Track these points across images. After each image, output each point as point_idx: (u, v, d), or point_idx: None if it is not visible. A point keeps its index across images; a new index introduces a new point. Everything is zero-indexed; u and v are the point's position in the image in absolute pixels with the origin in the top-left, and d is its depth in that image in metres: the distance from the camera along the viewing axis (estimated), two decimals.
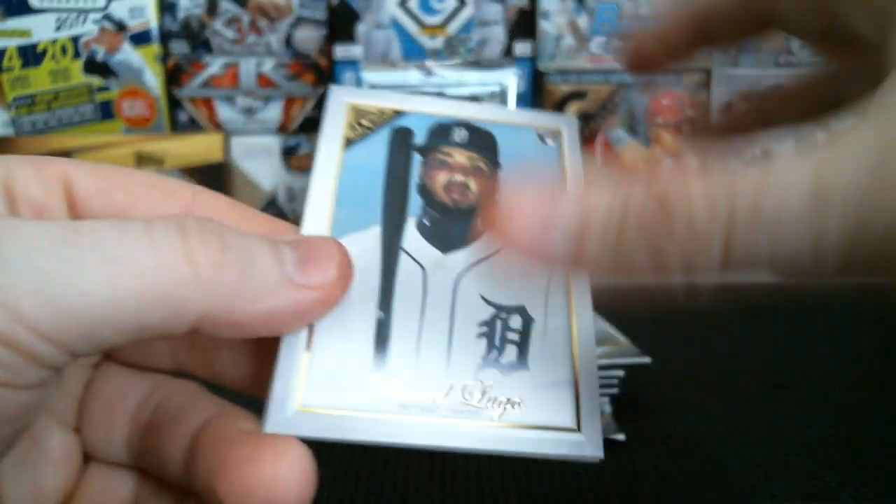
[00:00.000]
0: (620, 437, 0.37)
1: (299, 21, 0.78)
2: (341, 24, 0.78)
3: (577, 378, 0.18)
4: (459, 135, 0.22)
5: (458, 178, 0.21)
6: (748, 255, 0.14)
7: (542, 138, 0.23)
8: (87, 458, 0.19)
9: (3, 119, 0.77)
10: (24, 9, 0.75)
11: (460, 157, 0.21)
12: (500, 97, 0.60)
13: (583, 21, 0.78)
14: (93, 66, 0.77)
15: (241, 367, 0.19)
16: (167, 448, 0.17)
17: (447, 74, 0.61)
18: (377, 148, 0.21)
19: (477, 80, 0.61)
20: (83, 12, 0.76)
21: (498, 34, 0.79)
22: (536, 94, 0.79)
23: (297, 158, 0.76)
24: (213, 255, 0.15)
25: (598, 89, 0.77)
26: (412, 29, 0.78)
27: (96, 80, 0.77)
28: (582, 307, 0.19)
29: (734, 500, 0.32)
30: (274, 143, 0.76)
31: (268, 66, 0.78)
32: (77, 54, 0.76)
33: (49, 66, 0.76)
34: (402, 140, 0.22)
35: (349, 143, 0.22)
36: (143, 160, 0.74)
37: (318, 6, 0.78)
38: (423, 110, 0.23)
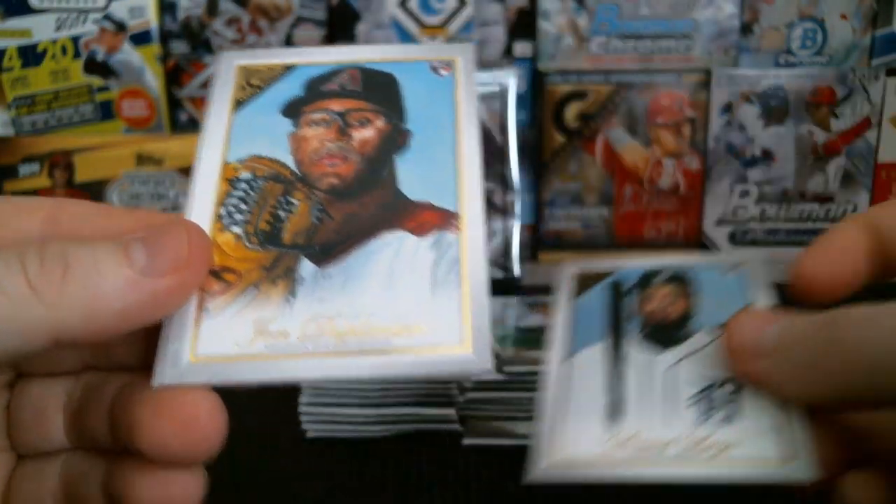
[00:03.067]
0: None
1: (299, 21, 0.78)
2: (341, 24, 0.78)
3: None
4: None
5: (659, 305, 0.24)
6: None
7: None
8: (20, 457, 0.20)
9: (3, 119, 0.77)
10: (24, 9, 0.75)
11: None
12: (501, 97, 0.60)
13: (583, 21, 0.78)
14: (93, 66, 0.77)
15: (138, 353, 0.20)
16: (94, 420, 0.19)
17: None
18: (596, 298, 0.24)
19: (477, 80, 0.61)
20: (83, 12, 0.76)
21: (498, 34, 0.79)
22: (536, 93, 0.79)
23: None
24: (54, 276, 0.16)
25: (598, 89, 0.77)
26: (412, 29, 0.78)
27: (96, 80, 0.77)
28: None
29: (734, 500, 0.32)
30: None
31: None
32: (77, 54, 0.76)
33: (49, 66, 0.76)
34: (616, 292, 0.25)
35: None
36: (142, 160, 0.74)
37: (318, 6, 0.78)
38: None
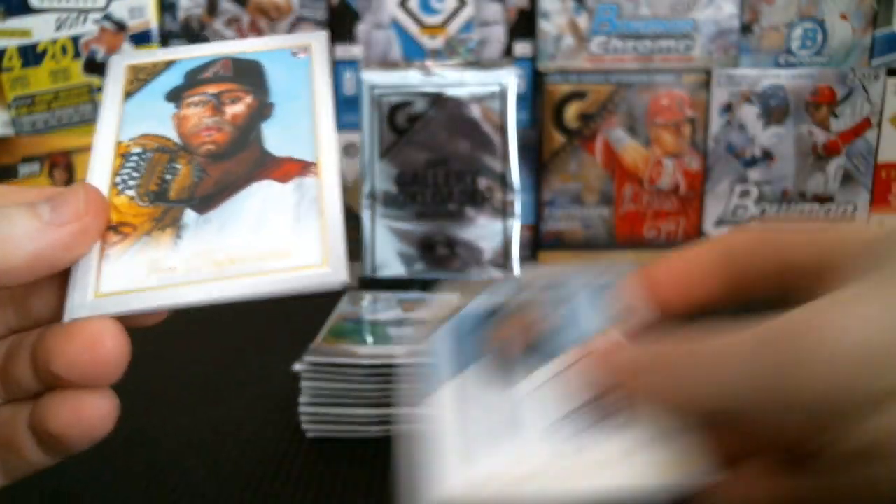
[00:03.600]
0: None
1: (299, 21, 0.78)
2: (341, 24, 0.78)
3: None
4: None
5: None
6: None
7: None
8: None
9: (3, 119, 0.77)
10: (24, 9, 0.75)
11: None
12: (501, 97, 0.60)
13: (583, 21, 0.78)
14: (93, 66, 0.77)
15: (54, 308, 0.22)
16: (19, 368, 0.21)
17: (447, 74, 0.61)
18: None
19: (477, 80, 0.61)
20: (83, 12, 0.76)
21: (498, 34, 0.79)
22: (536, 94, 0.79)
23: None
24: None
25: (598, 89, 0.77)
26: (412, 29, 0.78)
27: (96, 80, 0.77)
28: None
29: None
30: None
31: None
32: (77, 54, 0.76)
33: (49, 66, 0.76)
34: None
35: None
36: None
37: (318, 6, 0.78)
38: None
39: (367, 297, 0.50)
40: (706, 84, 0.77)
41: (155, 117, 0.26)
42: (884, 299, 0.18)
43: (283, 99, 0.26)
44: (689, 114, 0.77)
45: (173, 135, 0.25)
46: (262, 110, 0.26)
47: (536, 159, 0.79)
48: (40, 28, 0.75)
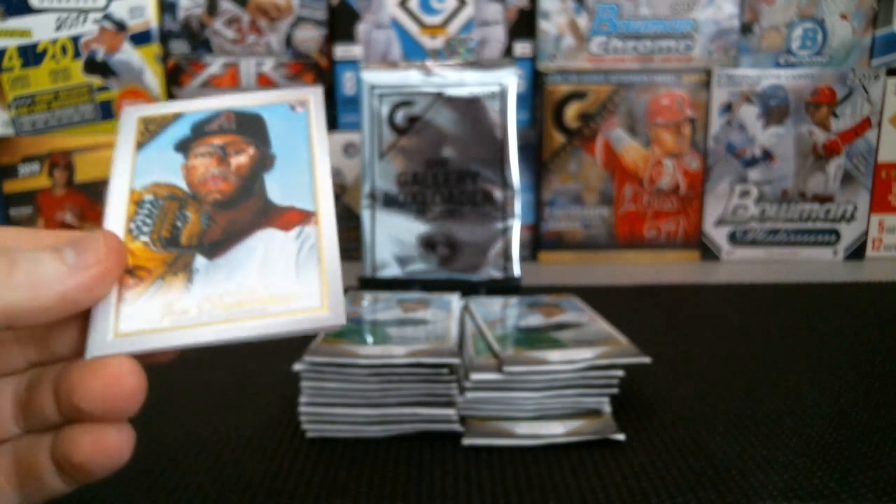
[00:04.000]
0: (620, 437, 0.37)
1: (299, 21, 0.78)
2: (341, 24, 0.78)
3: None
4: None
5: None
6: None
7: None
8: None
9: (3, 119, 0.77)
10: (24, 9, 0.75)
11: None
12: (500, 97, 0.60)
13: (583, 21, 0.78)
14: (93, 66, 0.77)
15: (73, 345, 0.24)
16: (41, 400, 0.23)
17: (447, 74, 0.61)
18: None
19: (477, 80, 0.61)
20: (83, 12, 0.76)
21: (498, 34, 0.79)
22: (536, 94, 0.79)
23: None
24: (2, 267, 0.20)
25: (598, 89, 0.77)
26: (412, 29, 0.78)
27: (96, 80, 0.77)
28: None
29: (734, 500, 0.32)
30: None
31: (268, 65, 0.78)
32: (77, 54, 0.76)
33: (49, 66, 0.76)
34: None
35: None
36: None
37: (318, 6, 0.78)
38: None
39: (367, 297, 0.50)
40: (706, 84, 0.77)
41: (165, 167, 0.28)
42: None
43: (284, 151, 0.28)
44: (689, 114, 0.77)
45: (182, 184, 0.27)
46: (265, 161, 0.28)
47: (536, 159, 0.79)
48: (40, 28, 0.75)
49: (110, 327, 0.23)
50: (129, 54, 0.77)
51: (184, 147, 0.28)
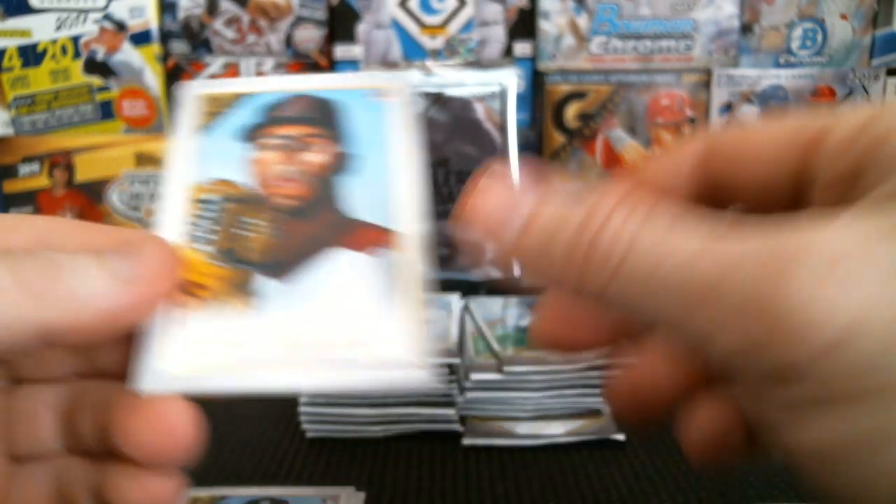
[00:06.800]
0: (620, 437, 0.37)
1: (299, 21, 0.78)
2: (341, 24, 0.78)
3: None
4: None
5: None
6: (622, 298, 0.16)
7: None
8: (14, 458, 0.21)
9: (3, 119, 0.77)
10: (24, 9, 0.75)
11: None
12: (500, 97, 0.60)
13: (583, 21, 0.78)
14: (93, 66, 0.77)
15: (120, 362, 0.21)
16: (82, 424, 0.20)
17: (447, 74, 0.61)
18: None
19: (477, 80, 0.61)
20: (83, 12, 0.76)
21: (498, 34, 0.79)
22: (536, 94, 0.79)
23: None
24: (43, 274, 0.17)
25: (598, 89, 0.77)
26: (412, 29, 0.78)
27: (96, 80, 0.77)
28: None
29: (734, 500, 0.32)
30: None
31: (268, 65, 0.78)
32: (77, 54, 0.76)
33: (49, 66, 0.76)
34: None
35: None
36: (142, 160, 0.74)
37: (318, 6, 0.78)
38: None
39: None
40: (706, 84, 0.77)
41: (229, 160, 0.23)
42: None
43: (366, 150, 0.23)
44: (689, 114, 0.77)
45: (250, 183, 0.22)
46: (344, 162, 0.23)
47: (536, 159, 0.79)
48: (40, 28, 0.75)
49: (164, 358, 0.19)
50: (129, 54, 0.77)
51: (253, 136, 0.23)
